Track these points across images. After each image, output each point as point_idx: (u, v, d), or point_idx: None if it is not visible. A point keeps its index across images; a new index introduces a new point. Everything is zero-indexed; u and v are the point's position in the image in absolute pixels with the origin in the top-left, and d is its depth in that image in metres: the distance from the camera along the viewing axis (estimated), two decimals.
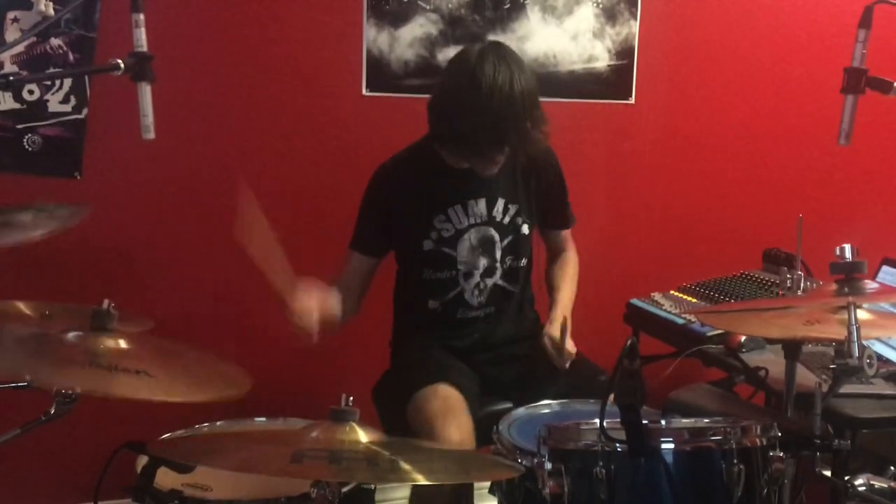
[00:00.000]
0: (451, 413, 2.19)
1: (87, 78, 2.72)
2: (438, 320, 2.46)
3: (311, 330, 2.17)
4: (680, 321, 2.60)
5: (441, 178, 2.38)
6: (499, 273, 2.45)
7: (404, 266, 2.51)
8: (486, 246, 2.43)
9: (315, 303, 2.19)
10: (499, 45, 2.30)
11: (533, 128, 2.23)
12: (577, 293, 2.59)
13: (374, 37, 2.97)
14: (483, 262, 2.43)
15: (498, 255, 2.44)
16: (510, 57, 2.24)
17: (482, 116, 2.16)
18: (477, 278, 2.44)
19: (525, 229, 2.46)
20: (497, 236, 2.43)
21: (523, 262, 2.48)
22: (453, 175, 2.37)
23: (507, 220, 2.43)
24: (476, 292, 2.44)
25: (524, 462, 1.82)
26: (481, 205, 2.40)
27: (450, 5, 3.02)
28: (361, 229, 2.46)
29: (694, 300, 2.74)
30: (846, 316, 1.68)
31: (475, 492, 2.42)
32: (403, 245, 2.47)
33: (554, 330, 2.35)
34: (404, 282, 2.54)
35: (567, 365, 2.32)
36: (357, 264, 2.46)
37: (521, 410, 2.17)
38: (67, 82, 2.71)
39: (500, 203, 2.42)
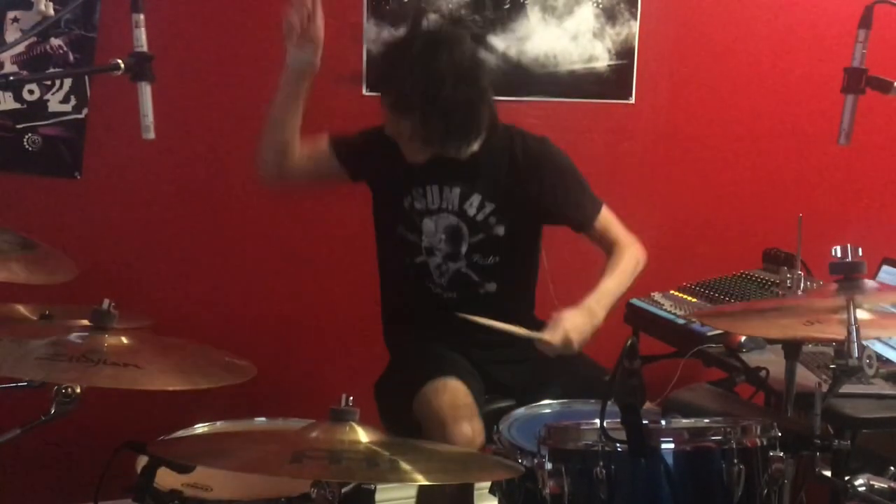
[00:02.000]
0: (462, 408, 2.17)
1: (87, 78, 2.73)
2: (412, 282, 2.43)
3: None
4: (680, 321, 2.60)
5: (426, 157, 2.34)
6: (464, 264, 2.41)
7: (382, 221, 2.48)
8: (451, 235, 2.39)
9: None
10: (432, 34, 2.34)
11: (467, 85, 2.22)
12: (622, 287, 2.40)
13: (374, 37, 2.97)
14: (446, 248, 2.39)
15: (463, 248, 2.39)
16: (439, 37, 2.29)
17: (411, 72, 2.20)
18: (439, 259, 2.40)
19: (500, 230, 2.39)
20: (465, 230, 2.38)
21: (492, 260, 2.40)
22: (437, 157, 2.33)
23: (480, 217, 2.38)
24: (438, 272, 2.41)
25: (524, 462, 1.81)
26: (455, 193, 2.36)
27: (450, 5, 3.02)
28: (349, 140, 2.44)
29: (694, 300, 2.74)
30: (846, 316, 1.68)
31: (475, 492, 2.42)
32: (384, 192, 2.44)
33: (561, 324, 2.21)
34: (383, 243, 2.50)
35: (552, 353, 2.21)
36: (321, 151, 2.42)
37: (521, 410, 2.16)
38: (67, 82, 2.71)
39: (476, 198, 2.37)
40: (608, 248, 2.43)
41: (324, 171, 2.45)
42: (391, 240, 2.45)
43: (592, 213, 2.43)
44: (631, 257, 2.41)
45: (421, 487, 2.37)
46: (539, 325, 2.53)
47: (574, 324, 2.21)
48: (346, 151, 2.43)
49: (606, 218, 2.45)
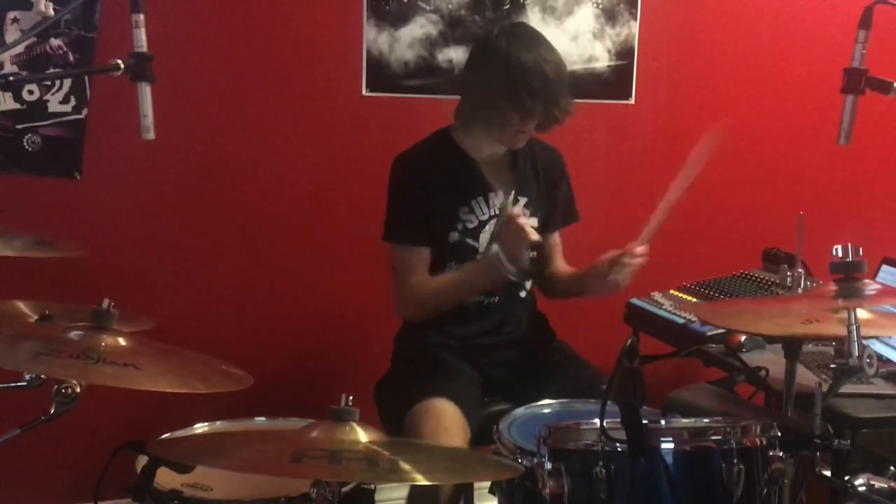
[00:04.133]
0: (443, 432, 2.18)
1: (87, 78, 2.72)
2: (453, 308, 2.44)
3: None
4: (680, 321, 2.60)
5: (463, 170, 2.42)
6: None
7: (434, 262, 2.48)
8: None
9: None
10: (520, 24, 2.48)
11: (567, 96, 2.34)
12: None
13: (374, 37, 2.97)
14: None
15: None
16: (533, 32, 2.39)
17: (529, 90, 2.26)
18: None
19: (534, 222, 2.46)
20: None
21: (529, 254, 2.46)
22: (474, 167, 2.42)
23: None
24: None
25: (524, 462, 1.81)
26: (500, 196, 2.44)
27: (450, 6, 3.02)
28: (405, 219, 2.41)
29: (694, 300, 2.74)
30: (846, 315, 1.68)
31: (475, 492, 2.42)
32: (436, 238, 2.44)
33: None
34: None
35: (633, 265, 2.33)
36: (417, 259, 2.40)
37: (521, 410, 2.16)
38: (67, 82, 2.71)
39: (512, 195, 2.44)
40: (547, 262, 2.59)
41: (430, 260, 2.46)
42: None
43: (572, 219, 2.63)
44: None
45: (412, 489, 2.37)
46: (543, 319, 2.56)
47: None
48: (419, 235, 2.41)
49: (559, 238, 2.63)
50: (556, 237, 2.62)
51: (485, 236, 2.42)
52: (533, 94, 2.27)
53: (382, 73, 2.99)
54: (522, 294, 2.51)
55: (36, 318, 2.15)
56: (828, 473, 1.80)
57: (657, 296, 2.79)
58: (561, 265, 2.63)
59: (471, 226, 2.41)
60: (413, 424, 2.22)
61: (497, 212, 2.43)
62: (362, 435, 1.57)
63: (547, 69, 2.28)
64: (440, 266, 2.43)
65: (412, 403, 2.25)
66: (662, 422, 1.75)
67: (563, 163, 2.58)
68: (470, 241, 2.41)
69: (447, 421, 2.21)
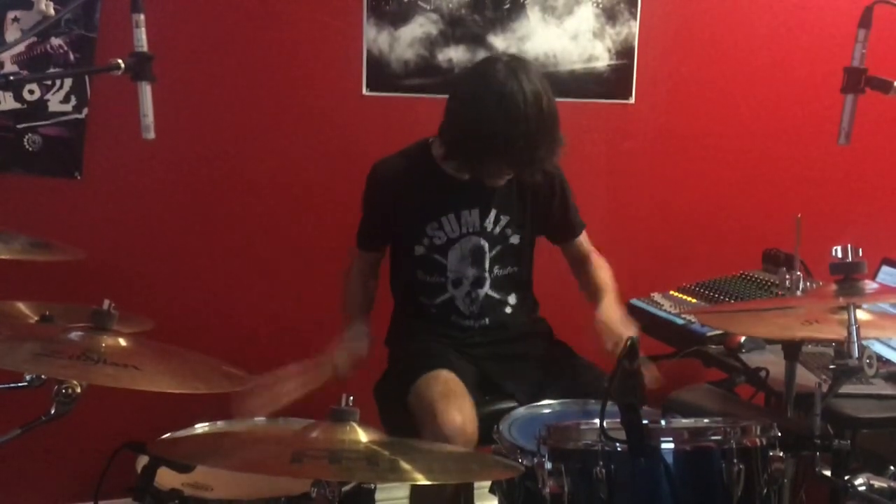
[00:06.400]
0: (452, 395, 2.19)
1: (87, 78, 2.72)
2: (434, 319, 2.47)
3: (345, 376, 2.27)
4: (680, 321, 2.59)
5: (436, 186, 2.39)
6: (488, 283, 2.45)
7: (397, 264, 2.53)
8: (475, 256, 2.43)
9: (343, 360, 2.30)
10: (522, 61, 2.30)
11: (557, 144, 2.26)
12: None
13: (374, 37, 2.97)
14: (472, 272, 2.43)
15: (486, 265, 2.44)
16: (535, 74, 2.24)
17: (515, 139, 2.17)
18: (467, 287, 2.44)
19: (515, 240, 2.46)
20: (486, 246, 2.43)
21: (508, 270, 2.47)
22: (448, 183, 2.37)
23: (497, 230, 2.43)
24: (468, 301, 2.45)
25: (524, 462, 1.82)
26: (474, 215, 2.41)
27: (450, 5, 3.02)
28: (362, 226, 2.50)
29: (694, 300, 2.74)
30: (846, 316, 1.68)
31: (475, 492, 2.42)
32: (396, 246, 2.50)
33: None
34: (398, 278, 2.55)
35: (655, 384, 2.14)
36: (361, 260, 2.51)
37: (521, 410, 2.17)
38: (68, 82, 2.71)
39: (493, 213, 2.42)
40: (582, 259, 2.58)
41: (377, 265, 2.54)
42: (411, 286, 2.48)
43: (581, 228, 2.58)
44: (608, 268, 2.56)
45: (413, 488, 2.37)
46: (543, 323, 2.57)
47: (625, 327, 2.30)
48: (368, 243, 2.51)
49: (584, 234, 2.60)
50: (572, 244, 2.57)
51: (454, 254, 2.42)
52: (508, 158, 2.22)
53: (382, 73, 2.99)
54: (508, 310, 2.50)
55: (36, 318, 2.16)
56: (828, 473, 1.79)
57: (657, 296, 2.79)
58: (590, 269, 2.55)
59: (438, 242, 2.40)
60: (420, 394, 2.23)
61: (470, 230, 2.40)
62: (362, 435, 1.58)
63: (526, 128, 2.16)
64: (408, 273, 2.46)
65: (417, 377, 2.27)
66: (662, 422, 1.75)
67: (560, 179, 2.48)
68: (437, 256, 2.42)
69: (454, 386, 2.23)
